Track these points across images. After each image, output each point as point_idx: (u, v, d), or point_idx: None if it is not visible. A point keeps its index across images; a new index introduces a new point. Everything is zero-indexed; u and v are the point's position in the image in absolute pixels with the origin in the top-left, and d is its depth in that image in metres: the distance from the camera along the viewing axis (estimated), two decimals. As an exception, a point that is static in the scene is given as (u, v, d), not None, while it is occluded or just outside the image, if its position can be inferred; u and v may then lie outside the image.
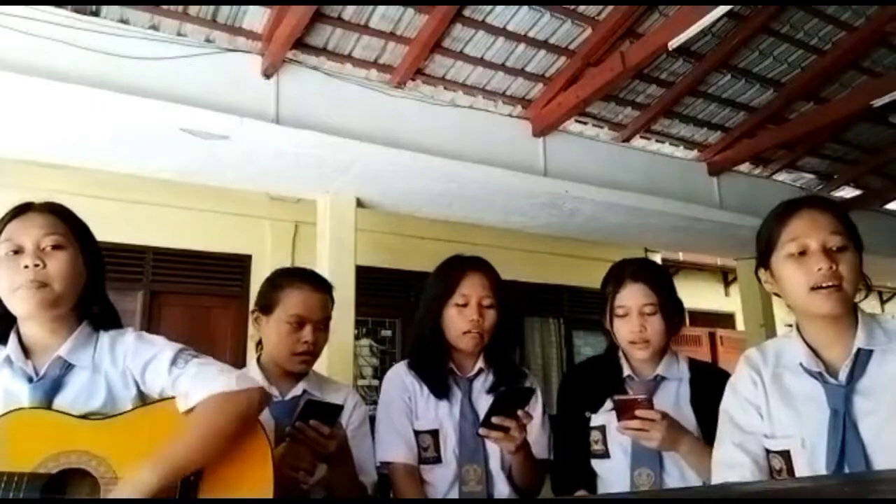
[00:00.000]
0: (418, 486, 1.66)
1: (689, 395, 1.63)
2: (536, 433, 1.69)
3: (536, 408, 1.69)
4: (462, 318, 1.71)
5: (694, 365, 1.71)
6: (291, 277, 1.76)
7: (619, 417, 1.48)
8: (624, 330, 1.63)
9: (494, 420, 1.49)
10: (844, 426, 1.17)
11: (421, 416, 1.70)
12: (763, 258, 1.32)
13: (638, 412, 1.46)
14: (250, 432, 1.30)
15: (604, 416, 1.63)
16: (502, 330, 1.77)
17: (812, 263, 1.21)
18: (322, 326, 1.73)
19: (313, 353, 1.70)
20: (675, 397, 1.63)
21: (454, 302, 1.72)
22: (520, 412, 1.51)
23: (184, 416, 1.26)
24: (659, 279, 1.66)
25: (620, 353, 1.69)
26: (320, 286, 1.76)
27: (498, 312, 1.74)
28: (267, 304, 1.73)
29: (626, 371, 1.67)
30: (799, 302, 1.25)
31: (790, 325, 1.35)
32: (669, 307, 1.64)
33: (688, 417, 1.57)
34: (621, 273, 1.67)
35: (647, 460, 1.55)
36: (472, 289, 1.72)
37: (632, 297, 1.62)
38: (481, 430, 1.52)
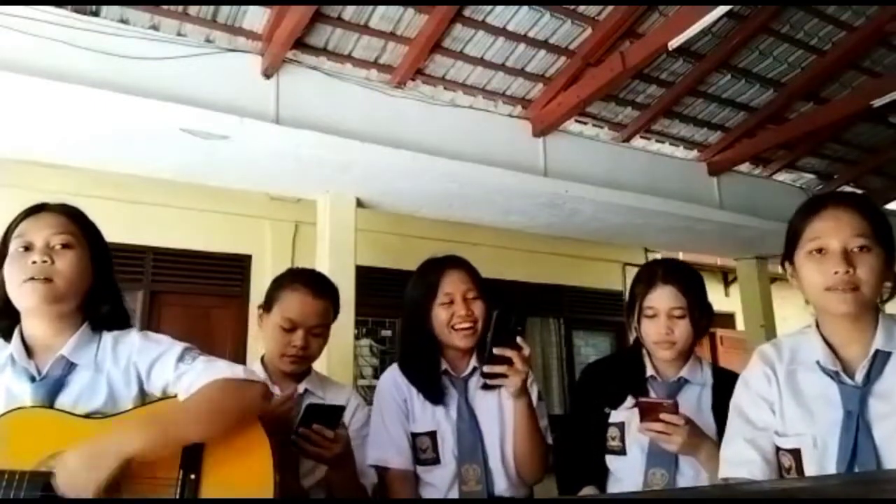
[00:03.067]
0: (412, 490, 1.65)
1: (711, 401, 1.63)
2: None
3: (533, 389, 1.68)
4: (451, 315, 1.70)
5: (717, 371, 1.70)
6: (293, 280, 1.75)
7: (643, 419, 1.48)
8: (651, 330, 1.63)
9: (496, 352, 1.48)
10: (857, 428, 1.16)
11: (418, 418, 1.69)
12: (787, 252, 1.32)
13: (662, 416, 1.45)
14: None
15: (624, 413, 1.63)
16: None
17: (830, 265, 1.20)
18: (317, 332, 1.70)
19: (303, 356, 1.68)
20: (696, 402, 1.62)
21: (439, 302, 1.71)
22: (519, 339, 1.50)
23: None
24: (690, 283, 1.65)
25: (644, 353, 1.69)
26: (321, 292, 1.73)
27: (485, 303, 1.73)
28: (268, 303, 1.73)
29: (650, 371, 1.67)
30: (815, 300, 1.25)
31: (814, 316, 1.33)
32: (698, 311, 1.63)
33: (708, 423, 1.57)
34: (653, 274, 1.66)
35: (662, 460, 1.55)
36: (453, 286, 1.71)
37: (661, 299, 1.62)
38: (486, 368, 1.51)
